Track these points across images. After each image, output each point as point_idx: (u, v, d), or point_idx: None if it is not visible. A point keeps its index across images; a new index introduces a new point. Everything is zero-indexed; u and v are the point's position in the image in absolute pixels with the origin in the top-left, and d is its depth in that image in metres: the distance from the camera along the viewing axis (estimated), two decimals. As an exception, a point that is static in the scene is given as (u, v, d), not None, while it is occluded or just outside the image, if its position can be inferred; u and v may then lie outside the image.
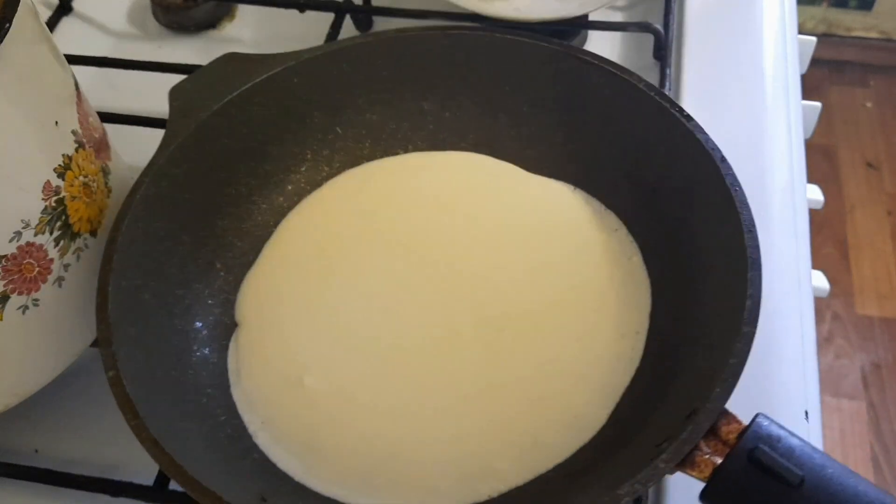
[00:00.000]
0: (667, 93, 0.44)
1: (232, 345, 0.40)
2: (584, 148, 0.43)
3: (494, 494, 0.35)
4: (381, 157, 0.46)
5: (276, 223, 0.44)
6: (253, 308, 0.41)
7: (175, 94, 0.42)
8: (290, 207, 0.45)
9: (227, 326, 0.41)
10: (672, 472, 0.29)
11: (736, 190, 0.35)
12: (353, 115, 0.45)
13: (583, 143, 0.43)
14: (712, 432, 0.30)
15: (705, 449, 0.29)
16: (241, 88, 0.42)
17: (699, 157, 0.37)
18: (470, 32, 0.43)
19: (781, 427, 0.30)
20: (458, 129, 0.46)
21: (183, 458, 0.31)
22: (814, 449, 0.29)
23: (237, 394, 0.38)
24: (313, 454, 0.36)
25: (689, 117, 0.38)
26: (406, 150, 0.46)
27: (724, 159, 0.36)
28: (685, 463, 0.29)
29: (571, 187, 0.43)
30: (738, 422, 0.30)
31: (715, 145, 0.37)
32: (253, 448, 0.37)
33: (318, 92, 0.44)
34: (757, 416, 0.30)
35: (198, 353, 0.39)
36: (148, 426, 0.32)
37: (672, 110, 0.38)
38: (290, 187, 0.45)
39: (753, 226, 0.34)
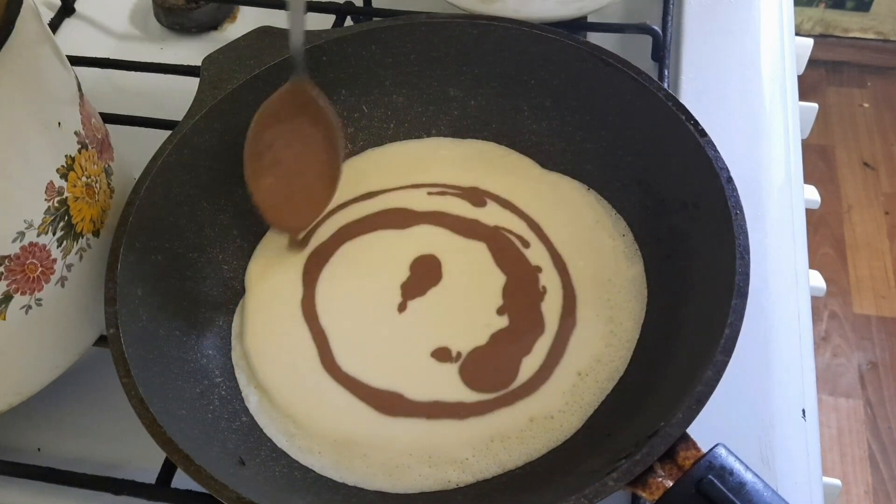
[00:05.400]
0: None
1: (238, 309, 0.42)
2: (600, 149, 0.44)
3: (461, 484, 0.36)
4: (405, 139, 0.47)
5: None
6: (261, 275, 0.42)
7: (207, 63, 0.43)
8: None
9: (236, 291, 0.42)
10: (624, 489, 0.30)
11: (737, 213, 0.35)
12: (379, 96, 0.46)
13: (600, 144, 0.44)
14: (670, 456, 0.30)
15: (660, 472, 0.30)
16: (271, 63, 0.43)
17: (707, 173, 0.37)
18: (498, 24, 0.44)
19: (739, 460, 0.30)
20: (482, 117, 0.46)
21: (167, 418, 0.33)
22: (765, 486, 0.29)
23: (236, 356, 0.40)
24: (297, 423, 0.38)
25: (703, 132, 0.38)
26: (429, 135, 0.47)
27: (730, 180, 0.36)
28: (637, 483, 0.30)
29: (585, 187, 0.44)
30: (697, 449, 0.30)
31: (724, 164, 0.37)
32: (243, 411, 0.38)
33: (346, 71, 0.45)
34: (716, 446, 0.30)
35: (204, 314, 0.41)
36: (138, 385, 0.33)
37: (687, 123, 0.38)
38: None
39: (747, 252, 0.34)
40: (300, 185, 0.42)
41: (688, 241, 0.39)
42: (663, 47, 0.50)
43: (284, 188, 0.41)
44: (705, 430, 0.31)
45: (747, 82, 0.50)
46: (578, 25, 0.51)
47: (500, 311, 0.40)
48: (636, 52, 0.51)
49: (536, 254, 0.42)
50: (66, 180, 0.35)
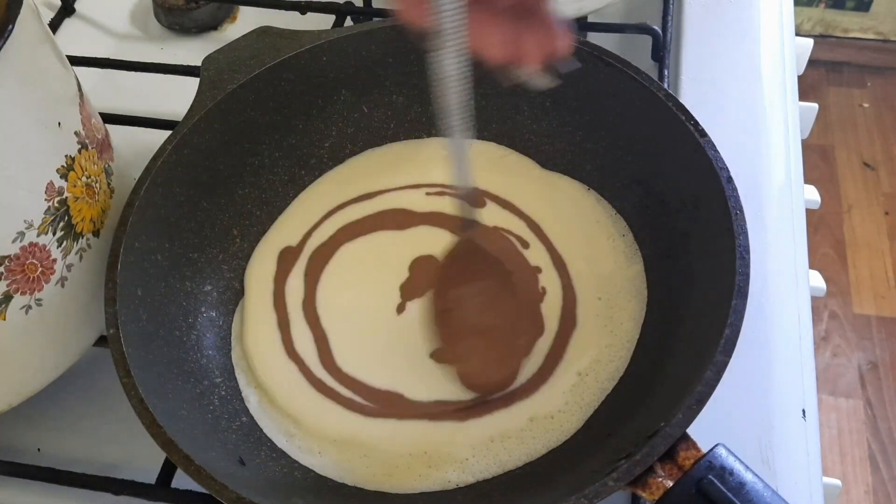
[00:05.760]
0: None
1: (238, 309, 0.42)
2: (600, 149, 0.44)
3: (461, 484, 0.36)
4: (405, 139, 0.47)
5: (296, 195, 0.45)
6: (261, 276, 0.42)
7: (207, 64, 0.43)
8: (311, 181, 0.46)
9: (236, 291, 0.42)
10: (624, 489, 0.30)
11: (737, 213, 0.35)
12: (379, 96, 0.46)
13: (600, 145, 0.44)
14: (670, 456, 0.30)
15: (660, 472, 0.30)
16: (271, 63, 0.43)
17: (707, 173, 0.37)
18: None
19: (739, 460, 0.30)
20: (482, 117, 0.46)
21: (167, 418, 0.33)
22: (766, 486, 0.29)
23: (236, 357, 0.40)
24: (297, 423, 0.38)
25: (703, 132, 0.38)
26: (429, 135, 0.47)
27: (730, 180, 0.36)
28: (637, 483, 0.30)
29: (585, 187, 0.44)
30: (697, 449, 0.30)
31: (724, 164, 0.37)
32: (243, 411, 0.38)
33: (347, 71, 0.45)
34: (716, 446, 0.30)
35: (205, 315, 0.41)
36: (138, 385, 0.33)
37: (687, 123, 0.38)
38: (312, 161, 0.46)
39: (747, 252, 0.34)
40: (497, 339, 0.39)
41: (688, 241, 0.39)
42: (663, 47, 0.50)
43: (481, 347, 0.39)
44: (705, 430, 0.31)
45: (747, 82, 0.50)
46: (579, 25, 0.51)
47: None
48: (636, 52, 0.51)
49: (536, 254, 0.42)
50: (66, 180, 0.35)
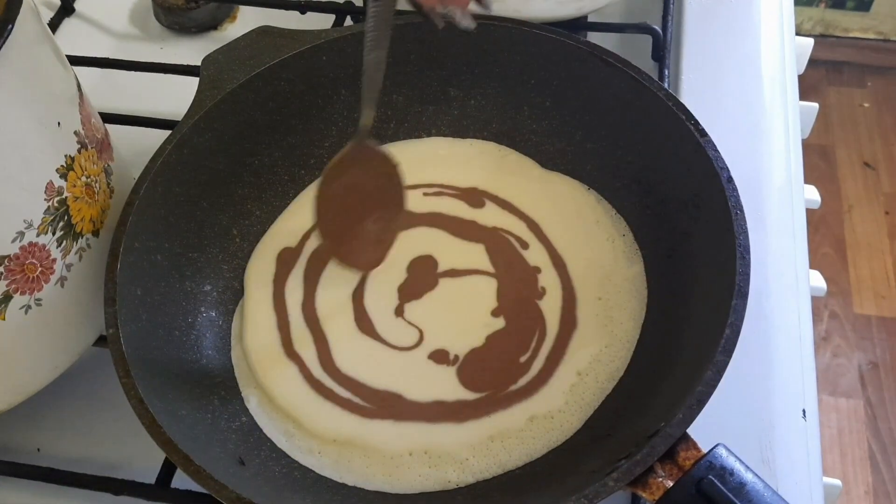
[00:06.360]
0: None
1: (238, 309, 0.42)
2: (600, 149, 0.44)
3: (461, 484, 0.36)
4: (405, 139, 0.47)
5: (296, 194, 0.45)
6: (261, 276, 0.42)
7: (206, 63, 0.43)
8: (311, 180, 0.46)
9: (236, 291, 0.42)
10: (624, 490, 0.30)
11: (737, 213, 0.35)
12: (379, 96, 0.46)
13: (600, 144, 0.44)
14: (670, 456, 0.30)
15: (660, 472, 0.30)
16: (270, 63, 0.43)
17: (707, 173, 0.37)
18: (498, 24, 0.44)
19: (739, 460, 0.30)
20: (482, 117, 0.46)
21: (167, 418, 0.33)
22: (766, 486, 0.29)
23: (236, 357, 0.40)
24: (297, 423, 0.38)
25: (703, 132, 0.38)
26: (429, 134, 0.47)
27: (730, 180, 0.36)
28: (637, 483, 0.30)
29: (585, 187, 0.44)
30: (698, 449, 0.30)
31: (724, 164, 0.37)
32: (242, 411, 0.38)
33: (346, 70, 0.45)
34: (716, 446, 0.30)
35: (204, 314, 0.41)
36: (138, 385, 0.33)
37: (688, 123, 0.38)
38: (312, 161, 0.46)
39: (748, 252, 0.34)
40: (367, 230, 0.42)
41: (688, 241, 0.39)
42: (663, 47, 0.50)
43: (354, 234, 0.42)
44: (706, 431, 0.31)
45: (747, 82, 0.50)
46: (579, 25, 0.51)
47: (496, 313, 0.40)
48: (636, 51, 0.51)
49: (535, 255, 0.42)
50: (66, 180, 0.35)
